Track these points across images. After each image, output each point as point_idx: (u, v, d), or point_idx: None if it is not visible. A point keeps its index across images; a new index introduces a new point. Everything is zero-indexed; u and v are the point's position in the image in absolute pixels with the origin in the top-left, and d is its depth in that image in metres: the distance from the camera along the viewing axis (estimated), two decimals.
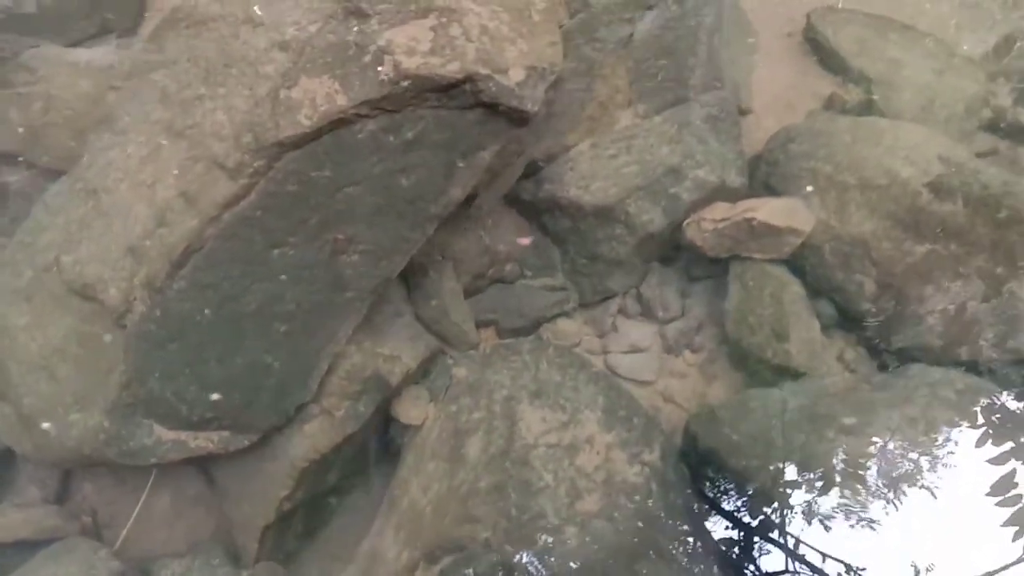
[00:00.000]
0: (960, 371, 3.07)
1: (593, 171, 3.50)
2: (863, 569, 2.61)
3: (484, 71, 2.65)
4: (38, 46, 3.84)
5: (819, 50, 4.24)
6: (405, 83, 2.58)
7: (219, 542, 3.17)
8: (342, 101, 2.57)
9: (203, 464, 3.21)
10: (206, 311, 2.70)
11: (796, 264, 3.44)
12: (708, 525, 2.87)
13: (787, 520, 2.74)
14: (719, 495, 2.91)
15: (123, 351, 2.74)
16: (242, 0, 2.94)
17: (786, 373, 3.23)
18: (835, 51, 4.14)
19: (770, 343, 3.26)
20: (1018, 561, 2.52)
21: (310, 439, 3.00)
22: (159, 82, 2.99)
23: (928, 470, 2.73)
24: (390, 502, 3.14)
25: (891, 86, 3.97)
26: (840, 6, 4.44)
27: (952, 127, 3.91)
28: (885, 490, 2.72)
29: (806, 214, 3.38)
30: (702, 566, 2.80)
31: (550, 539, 2.78)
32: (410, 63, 2.58)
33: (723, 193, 3.48)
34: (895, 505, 2.68)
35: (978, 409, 2.86)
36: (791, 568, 2.69)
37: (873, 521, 2.66)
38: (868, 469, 2.76)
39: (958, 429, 2.81)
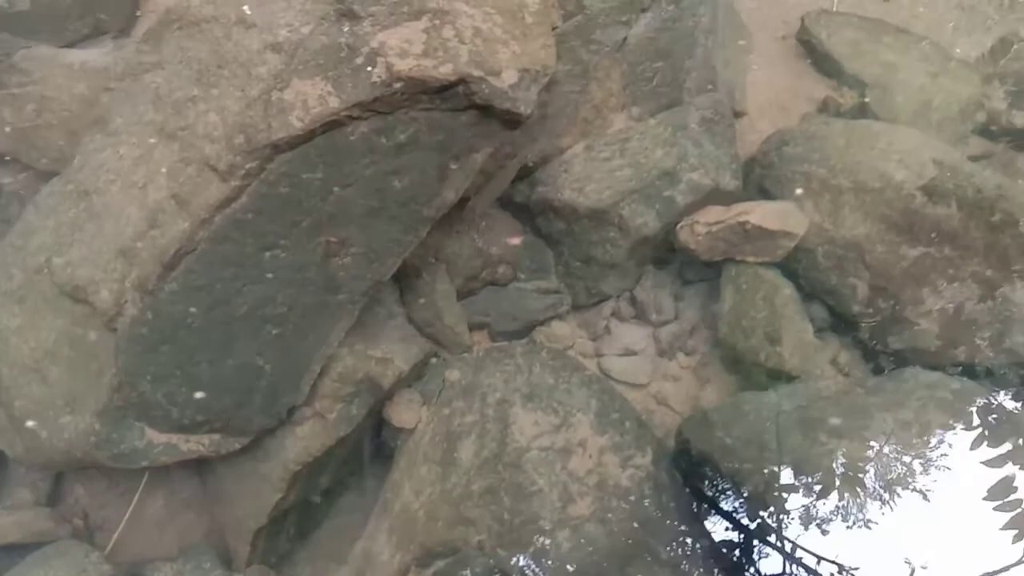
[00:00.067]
0: (954, 374, 3.07)
1: (587, 174, 3.50)
2: (856, 569, 2.61)
3: (477, 73, 2.65)
4: (30, 47, 3.82)
5: (813, 53, 4.24)
6: (398, 85, 2.58)
7: (211, 545, 3.15)
8: (334, 103, 2.56)
9: (195, 467, 3.20)
10: (197, 313, 2.69)
11: (789, 267, 3.44)
12: (701, 528, 2.86)
13: (781, 524, 2.73)
14: (712, 498, 2.90)
15: (114, 353, 2.73)
16: (235, 1, 2.94)
17: (779, 376, 3.23)
18: (829, 54, 4.14)
19: (763, 346, 3.26)
20: (1017, 563, 2.51)
21: (302, 442, 3.00)
22: (152, 83, 2.98)
23: (921, 473, 2.73)
24: (383, 505, 3.14)
25: (885, 89, 3.97)
26: (834, 9, 4.45)
27: (946, 130, 3.91)
28: (879, 494, 2.72)
29: (799, 217, 3.38)
30: (695, 569, 2.80)
31: (543, 543, 2.78)
32: (403, 65, 2.57)
33: (717, 196, 3.48)
34: (889, 509, 2.68)
35: (973, 411, 2.86)
36: (786, 571, 2.69)
37: (867, 525, 2.66)
38: (862, 473, 2.76)
39: (952, 432, 2.81)
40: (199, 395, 2.78)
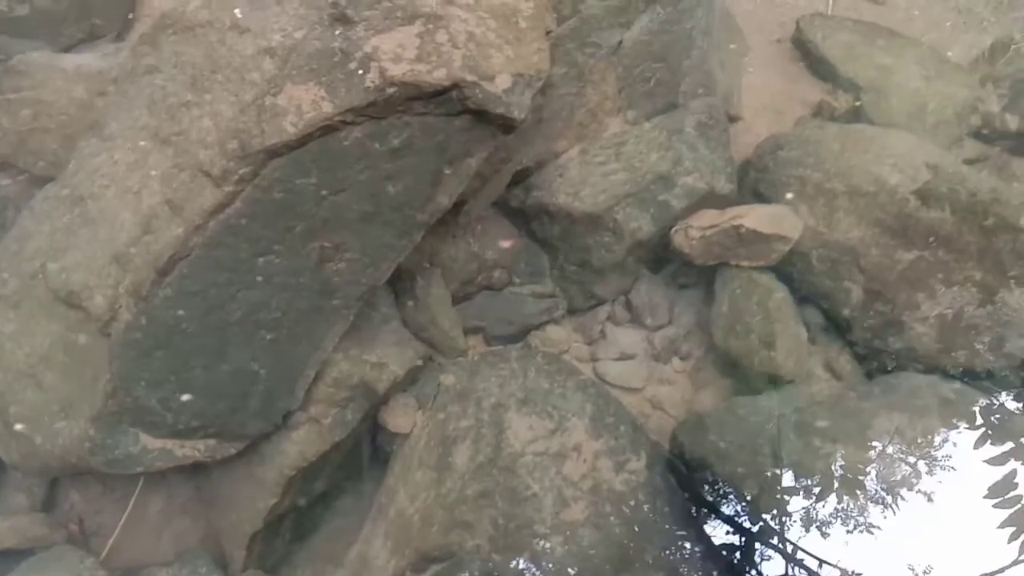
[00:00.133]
0: (947, 378, 3.08)
1: (582, 178, 3.50)
2: (850, 571, 2.61)
3: (471, 78, 2.65)
4: (25, 52, 3.82)
5: (808, 56, 4.25)
6: (391, 90, 2.58)
7: (207, 550, 3.15)
8: (328, 108, 2.56)
9: (190, 472, 3.19)
10: (192, 319, 2.69)
11: (784, 271, 3.44)
12: (696, 533, 2.86)
13: (776, 527, 2.74)
14: (707, 502, 2.90)
15: (109, 359, 2.72)
16: (229, 6, 2.94)
17: (774, 380, 3.23)
18: (824, 57, 4.15)
19: (757, 350, 3.26)
20: (1014, 563, 2.52)
21: (298, 447, 2.99)
22: (146, 88, 2.98)
23: (915, 478, 2.74)
24: (378, 509, 3.14)
25: (880, 92, 3.98)
26: (829, 12, 4.45)
27: (941, 133, 3.92)
28: (874, 497, 2.72)
29: (794, 221, 3.38)
30: (691, 574, 2.80)
31: (538, 547, 2.78)
32: (396, 70, 2.58)
33: (712, 200, 3.48)
34: (885, 513, 2.69)
35: (973, 412, 2.88)
36: (781, 575, 2.69)
37: (864, 527, 2.67)
38: (857, 476, 2.76)
39: (944, 437, 2.82)
40: (194, 400, 2.78)
